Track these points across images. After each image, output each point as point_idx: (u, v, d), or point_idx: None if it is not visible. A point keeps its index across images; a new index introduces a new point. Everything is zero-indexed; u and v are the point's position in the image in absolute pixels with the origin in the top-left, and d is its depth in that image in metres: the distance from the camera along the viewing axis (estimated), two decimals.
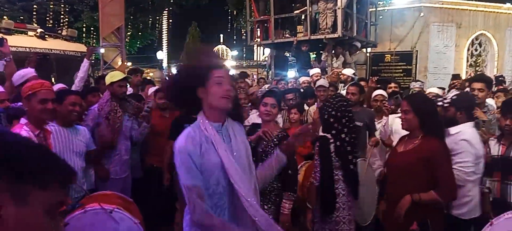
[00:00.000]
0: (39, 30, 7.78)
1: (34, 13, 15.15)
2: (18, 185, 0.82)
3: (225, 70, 1.91)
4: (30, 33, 7.76)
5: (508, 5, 13.02)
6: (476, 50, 13.10)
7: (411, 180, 2.68)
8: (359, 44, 10.33)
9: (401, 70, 10.82)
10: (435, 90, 5.91)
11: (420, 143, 2.73)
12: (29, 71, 3.97)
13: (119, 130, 3.86)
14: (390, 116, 4.42)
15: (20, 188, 0.82)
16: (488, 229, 2.40)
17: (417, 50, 11.11)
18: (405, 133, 2.96)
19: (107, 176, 3.73)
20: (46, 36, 7.80)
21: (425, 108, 2.76)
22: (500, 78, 8.66)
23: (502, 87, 6.28)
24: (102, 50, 9.37)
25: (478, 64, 12.77)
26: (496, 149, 3.22)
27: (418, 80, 7.78)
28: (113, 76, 3.95)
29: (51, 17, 15.95)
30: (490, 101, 4.63)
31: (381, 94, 4.95)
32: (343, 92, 5.97)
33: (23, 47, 7.00)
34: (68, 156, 3.00)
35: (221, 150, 1.83)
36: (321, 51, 10.18)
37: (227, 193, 1.87)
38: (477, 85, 3.80)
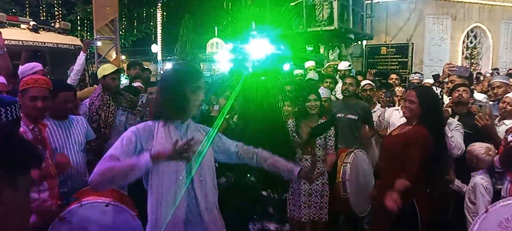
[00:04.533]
0: (32, 23, 7.64)
1: (27, 5, 14.97)
2: (10, 173, 0.98)
3: None
4: (22, 26, 7.63)
5: None
6: (471, 42, 13.14)
7: (398, 160, 2.85)
8: (352, 36, 10.30)
9: (397, 63, 10.80)
10: (429, 81, 5.98)
11: (411, 128, 2.92)
12: (36, 65, 3.91)
13: (111, 124, 3.78)
14: (388, 109, 4.44)
15: (12, 176, 0.98)
16: (483, 216, 2.40)
17: (412, 43, 11.10)
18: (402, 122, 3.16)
19: None
20: (40, 29, 7.69)
21: (430, 103, 2.90)
22: (495, 72, 8.71)
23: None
24: (99, 43, 9.26)
25: (473, 56, 12.82)
26: None
27: (417, 72, 7.81)
28: (105, 69, 3.85)
29: (44, 9, 15.77)
30: (477, 95, 4.75)
31: (369, 84, 5.00)
32: (340, 84, 5.99)
33: (16, 40, 6.90)
34: (68, 150, 2.92)
35: (158, 141, 1.88)
36: (320, 44, 10.12)
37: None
38: (461, 89, 3.98)
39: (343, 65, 7.04)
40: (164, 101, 1.95)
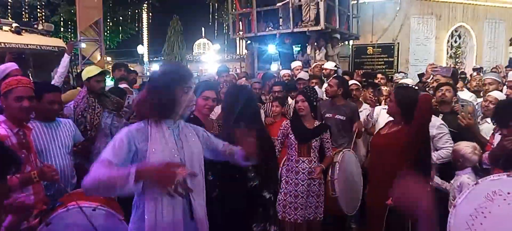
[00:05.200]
0: (14, 24, 7.48)
1: (9, 7, 14.72)
2: None
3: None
4: (5, 28, 7.45)
5: None
6: (455, 42, 13.34)
7: (391, 158, 2.96)
8: (338, 36, 10.36)
9: (383, 62, 10.91)
10: (408, 81, 6.03)
11: (401, 128, 3.03)
12: (10, 65, 3.81)
13: (97, 126, 3.73)
14: (376, 107, 4.48)
15: None
16: (472, 188, 2.46)
17: (398, 43, 11.22)
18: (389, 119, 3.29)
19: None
20: (22, 31, 7.52)
21: (406, 101, 3.01)
22: (479, 70, 8.85)
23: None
24: (83, 45, 9.13)
25: (457, 55, 13.03)
26: None
27: (401, 72, 7.92)
28: (89, 71, 3.80)
29: (26, 11, 15.52)
30: (463, 94, 4.81)
31: (355, 84, 5.04)
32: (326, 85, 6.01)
33: None
34: (54, 153, 2.88)
35: (153, 143, 1.86)
36: (307, 44, 10.16)
37: None
38: (444, 88, 4.04)
39: (328, 65, 7.05)
40: (156, 102, 1.91)
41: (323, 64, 7.69)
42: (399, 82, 5.46)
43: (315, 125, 3.67)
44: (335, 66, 7.16)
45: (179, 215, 1.90)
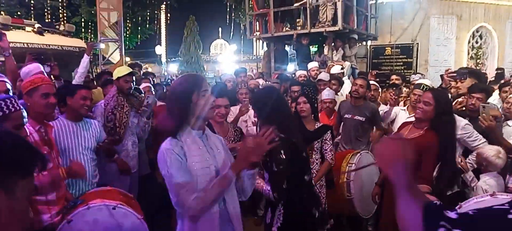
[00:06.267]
0: (36, 25, 7.68)
1: (32, 8, 15.07)
2: (7, 178, 0.90)
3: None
4: (27, 28, 7.66)
5: None
6: (476, 42, 13.04)
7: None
8: (356, 37, 10.26)
9: (401, 63, 10.77)
10: (427, 82, 5.92)
11: (423, 134, 2.87)
12: (34, 68, 3.93)
13: (126, 124, 3.82)
14: (395, 107, 4.44)
15: (8, 180, 0.90)
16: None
17: (417, 43, 11.04)
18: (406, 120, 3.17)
19: (128, 169, 3.69)
20: (44, 31, 7.70)
21: (445, 106, 2.87)
22: (499, 71, 8.63)
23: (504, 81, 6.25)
24: (102, 46, 9.31)
25: (478, 57, 12.73)
26: None
27: (418, 73, 7.79)
28: (119, 71, 3.92)
29: (49, 12, 15.86)
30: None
31: (374, 84, 5.00)
32: (345, 86, 5.98)
33: (21, 43, 6.92)
34: (76, 151, 2.98)
35: (192, 155, 1.89)
36: (324, 45, 10.09)
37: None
38: (477, 95, 3.75)
39: (335, 69, 7.00)
40: (177, 109, 1.96)
41: (341, 65, 7.63)
42: (417, 83, 5.36)
43: (316, 127, 3.63)
44: (341, 68, 7.09)
45: (217, 217, 1.95)
